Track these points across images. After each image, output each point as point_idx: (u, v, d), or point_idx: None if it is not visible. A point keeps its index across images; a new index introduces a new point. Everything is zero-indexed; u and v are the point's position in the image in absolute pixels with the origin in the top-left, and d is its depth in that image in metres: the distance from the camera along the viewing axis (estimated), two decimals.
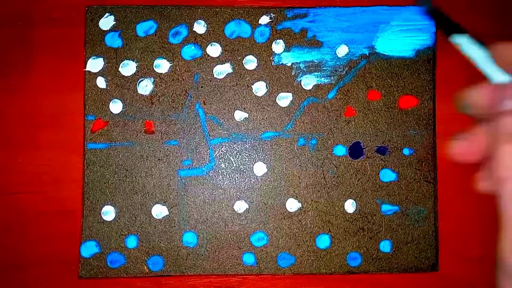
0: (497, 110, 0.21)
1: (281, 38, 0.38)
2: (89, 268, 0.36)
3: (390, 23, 0.38)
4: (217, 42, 0.38)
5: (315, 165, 0.37)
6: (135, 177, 0.37)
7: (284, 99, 0.38)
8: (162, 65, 0.38)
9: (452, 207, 0.38)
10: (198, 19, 0.38)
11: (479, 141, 0.23)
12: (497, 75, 0.24)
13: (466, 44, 0.27)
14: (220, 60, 0.38)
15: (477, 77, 0.41)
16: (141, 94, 0.37)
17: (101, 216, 0.37)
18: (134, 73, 0.37)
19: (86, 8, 0.38)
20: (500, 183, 0.20)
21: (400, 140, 0.38)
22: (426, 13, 0.37)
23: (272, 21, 0.38)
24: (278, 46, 0.38)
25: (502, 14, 0.39)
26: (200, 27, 0.38)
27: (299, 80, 0.38)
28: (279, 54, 0.38)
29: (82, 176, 0.37)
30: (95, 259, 0.36)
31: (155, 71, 0.37)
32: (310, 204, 0.37)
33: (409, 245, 0.37)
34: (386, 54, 0.38)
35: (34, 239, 0.37)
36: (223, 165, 0.37)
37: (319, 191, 0.37)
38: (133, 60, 0.37)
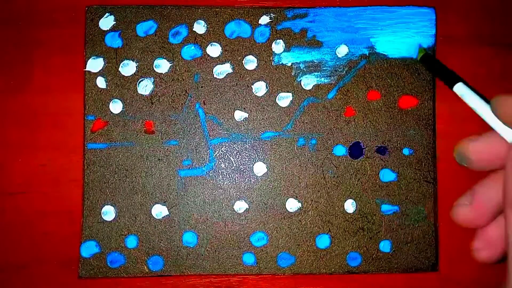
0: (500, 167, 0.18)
1: (281, 38, 0.38)
2: (89, 268, 0.36)
3: (390, 23, 0.38)
4: (217, 42, 0.38)
5: (315, 165, 0.37)
6: (135, 177, 0.37)
7: (284, 99, 0.38)
8: (162, 65, 0.38)
9: (452, 207, 0.38)
10: (198, 19, 0.38)
11: (483, 206, 0.20)
12: (505, 131, 0.19)
13: (467, 95, 0.24)
14: (220, 60, 0.38)
15: (477, 78, 0.41)
16: (141, 94, 0.37)
17: (101, 216, 0.37)
18: (134, 73, 0.37)
19: (86, 8, 0.38)
20: None
21: (400, 140, 0.38)
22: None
23: (272, 21, 0.38)
24: (278, 46, 0.38)
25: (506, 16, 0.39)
26: (200, 27, 0.38)
27: (299, 80, 0.38)
28: (279, 54, 0.38)
29: (82, 176, 0.37)
30: (95, 259, 0.36)
31: (155, 71, 0.37)
32: (310, 204, 0.37)
33: (409, 245, 0.37)
34: (386, 54, 0.38)
35: (34, 239, 0.37)
36: (223, 165, 0.37)
37: (319, 191, 0.37)
38: (133, 60, 0.37)
